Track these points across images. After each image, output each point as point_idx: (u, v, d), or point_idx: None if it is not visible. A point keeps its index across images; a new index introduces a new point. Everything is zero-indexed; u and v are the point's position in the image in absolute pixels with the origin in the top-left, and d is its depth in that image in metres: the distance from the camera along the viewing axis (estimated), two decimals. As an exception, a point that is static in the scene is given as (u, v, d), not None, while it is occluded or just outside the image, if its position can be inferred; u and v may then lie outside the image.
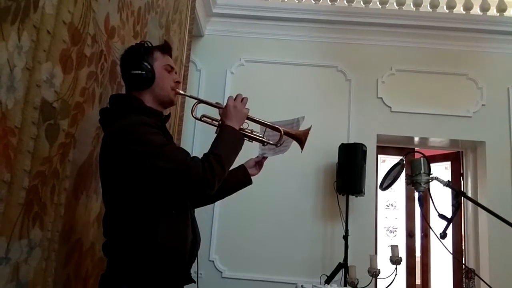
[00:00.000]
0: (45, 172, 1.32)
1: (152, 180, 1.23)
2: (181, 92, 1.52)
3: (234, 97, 1.45)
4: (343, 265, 3.21)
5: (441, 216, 1.76)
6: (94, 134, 1.67)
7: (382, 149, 4.12)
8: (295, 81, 3.93)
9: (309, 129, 1.57)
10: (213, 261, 3.62)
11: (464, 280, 2.23)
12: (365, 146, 3.50)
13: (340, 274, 3.23)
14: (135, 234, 1.25)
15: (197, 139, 3.79)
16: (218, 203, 3.46)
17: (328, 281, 3.15)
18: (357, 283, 2.93)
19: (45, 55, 1.27)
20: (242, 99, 1.44)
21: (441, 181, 1.77)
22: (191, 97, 1.63)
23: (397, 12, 3.99)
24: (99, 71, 1.68)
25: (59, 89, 1.37)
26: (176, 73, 1.52)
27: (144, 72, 1.39)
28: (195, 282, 1.41)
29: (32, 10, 1.18)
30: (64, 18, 1.36)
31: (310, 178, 3.74)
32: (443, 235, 1.70)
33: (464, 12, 4.01)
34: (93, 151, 1.67)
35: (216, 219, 3.68)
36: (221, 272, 3.60)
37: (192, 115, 1.56)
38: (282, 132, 1.53)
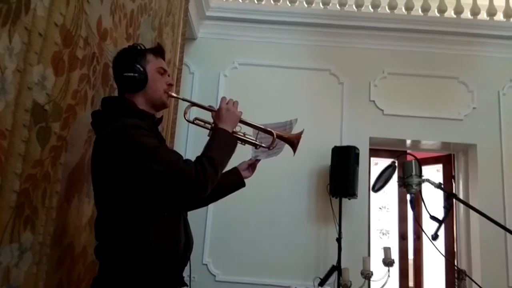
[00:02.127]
0: (36, 175, 1.31)
1: (145, 182, 1.23)
2: (174, 94, 1.52)
3: (226, 100, 1.45)
4: (336, 268, 3.22)
5: (433, 218, 1.77)
6: (86, 137, 1.66)
7: (375, 152, 4.14)
8: (288, 84, 3.95)
9: (301, 133, 1.58)
10: (206, 264, 3.60)
11: (455, 282, 2.25)
12: (357, 148, 3.52)
13: (334, 277, 3.24)
14: (127, 237, 1.24)
15: (190, 142, 3.78)
16: (211, 206, 3.47)
17: (322, 283, 3.16)
18: (350, 285, 2.93)
19: (36, 57, 1.26)
20: (233, 102, 1.45)
21: (432, 183, 1.78)
22: (183, 99, 1.62)
23: (389, 15, 4.02)
24: (91, 73, 1.67)
25: (51, 91, 1.36)
26: (169, 75, 1.52)
27: (136, 75, 1.39)
28: (187, 286, 1.41)
29: (24, 12, 1.18)
30: (56, 20, 1.35)
31: (303, 180, 3.75)
32: (435, 237, 1.72)
33: (455, 16, 4.06)
34: (85, 154, 1.66)
35: (209, 222, 3.67)
36: (214, 276, 3.59)
37: (185, 118, 1.56)
38: (275, 136, 1.54)
